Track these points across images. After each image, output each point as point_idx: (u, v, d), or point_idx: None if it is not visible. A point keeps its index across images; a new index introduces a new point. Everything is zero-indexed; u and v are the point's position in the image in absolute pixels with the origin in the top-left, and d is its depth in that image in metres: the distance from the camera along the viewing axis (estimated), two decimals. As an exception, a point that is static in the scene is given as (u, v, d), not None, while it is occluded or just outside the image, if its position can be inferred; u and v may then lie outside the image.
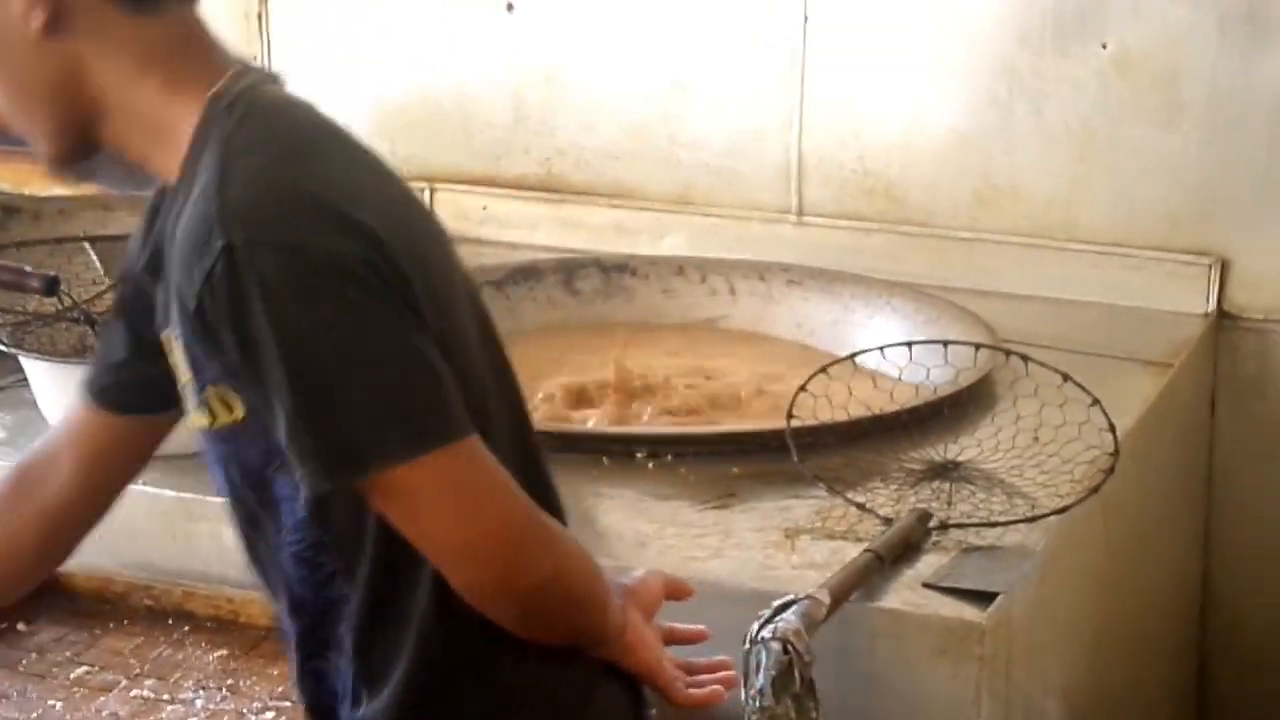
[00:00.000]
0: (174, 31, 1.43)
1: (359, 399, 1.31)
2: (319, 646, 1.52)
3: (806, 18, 2.87)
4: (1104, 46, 2.73)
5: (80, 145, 1.44)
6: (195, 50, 1.44)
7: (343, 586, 1.47)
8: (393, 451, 1.32)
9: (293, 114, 1.42)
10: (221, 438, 1.46)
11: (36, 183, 3.35)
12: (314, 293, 1.29)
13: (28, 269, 2.11)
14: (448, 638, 1.45)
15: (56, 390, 2.20)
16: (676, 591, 1.66)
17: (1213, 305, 2.72)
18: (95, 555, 2.09)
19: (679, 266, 2.79)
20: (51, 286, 2.09)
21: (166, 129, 1.42)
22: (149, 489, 2.10)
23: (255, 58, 3.15)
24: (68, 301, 2.13)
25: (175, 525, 2.09)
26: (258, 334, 1.30)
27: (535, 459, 1.52)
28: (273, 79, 1.48)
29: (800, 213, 2.94)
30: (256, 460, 1.44)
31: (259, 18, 3.17)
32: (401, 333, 1.33)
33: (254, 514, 1.49)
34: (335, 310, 1.29)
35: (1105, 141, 2.75)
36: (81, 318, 2.14)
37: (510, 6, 3.04)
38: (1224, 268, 2.72)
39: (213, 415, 1.44)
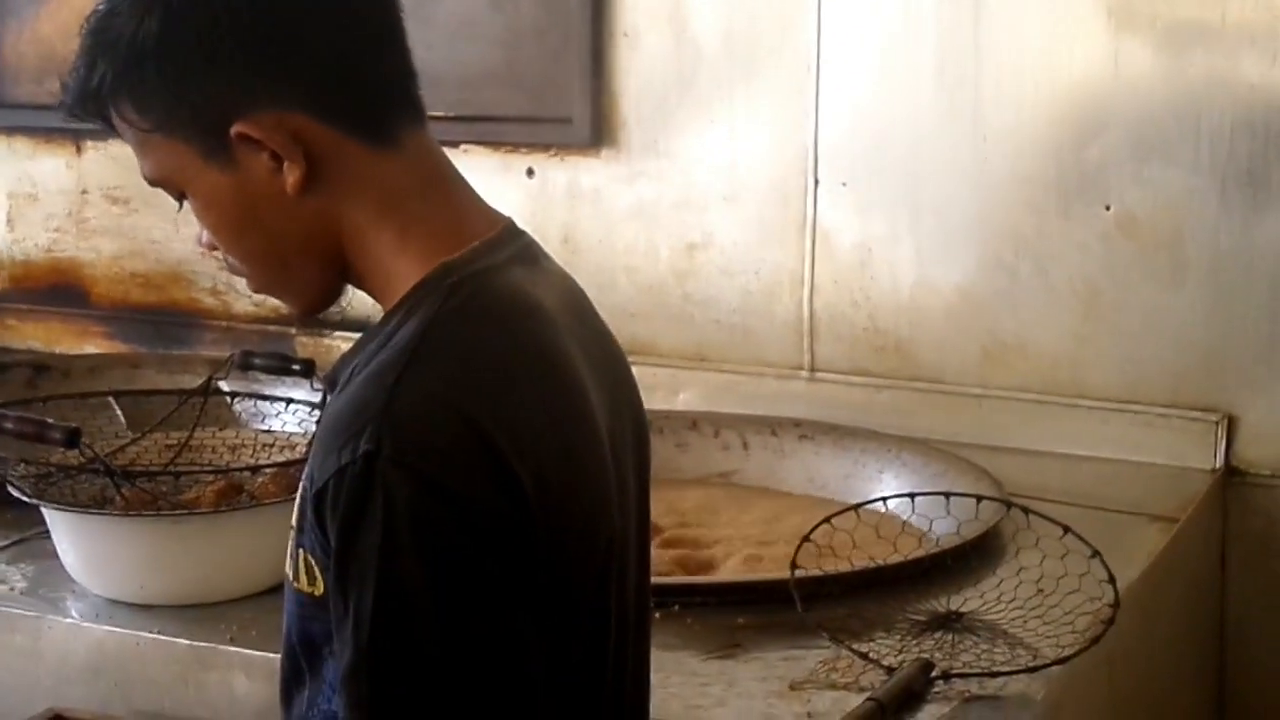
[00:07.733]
0: (415, 173, 1.36)
1: (433, 673, 1.20)
2: None
3: (817, 181, 2.94)
4: (1107, 208, 2.78)
5: (334, 290, 1.39)
6: (435, 196, 1.38)
7: None
8: None
9: (508, 325, 1.32)
10: (295, 597, 1.37)
11: (67, 342, 3.44)
12: (436, 536, 1.19)
13: (50, 421, 2.15)
14: None
15: (77, 541, 2.25)
16: None
17: (1220, 461, 2.74)
18: (109, 702, 2.13)
19: (693, 421, 2.83)
20: (72, 439, 2.12)
21: (395, 280, 1.35)
22: (162, 637, 2.14)
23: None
24: (89, 454, 2.16)
25: (188, 673, 2.11)
26: (363, 550, 1.21)
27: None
28: (521, 258, 1.39)
29: (812, 369, 2.99)
30: (318, 635, 1.35)
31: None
32: (508, 614, 1.22)
33: (299, 671, 1.40)
34: (450, 563, 1.19)
35: (1110, 301, 2.80)
36: (102, 470, 2.18)
37: (530, 172, 3.14)
38: (1231, 424, 2.74)
39: (296, 574, 1.35)
